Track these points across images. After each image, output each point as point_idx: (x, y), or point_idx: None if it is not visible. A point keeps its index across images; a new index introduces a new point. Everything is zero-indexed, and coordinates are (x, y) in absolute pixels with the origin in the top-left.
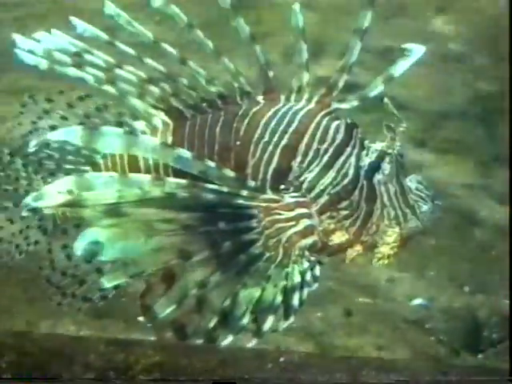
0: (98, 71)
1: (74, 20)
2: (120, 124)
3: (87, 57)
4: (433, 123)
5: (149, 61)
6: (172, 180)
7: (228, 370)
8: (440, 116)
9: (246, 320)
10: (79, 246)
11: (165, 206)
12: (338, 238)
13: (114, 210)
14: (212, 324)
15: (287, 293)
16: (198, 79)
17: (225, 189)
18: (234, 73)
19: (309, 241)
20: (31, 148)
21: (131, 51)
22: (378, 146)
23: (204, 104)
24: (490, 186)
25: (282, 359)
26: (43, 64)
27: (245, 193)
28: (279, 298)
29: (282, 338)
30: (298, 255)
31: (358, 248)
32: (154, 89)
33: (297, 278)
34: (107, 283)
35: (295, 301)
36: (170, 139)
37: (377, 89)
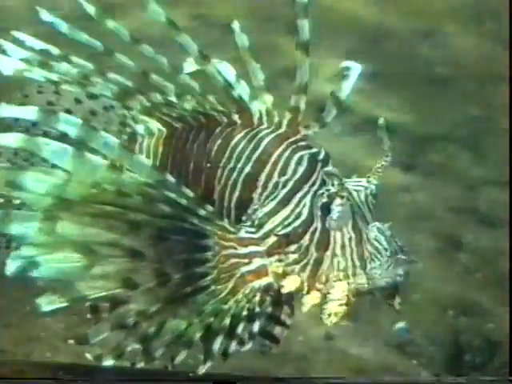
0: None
1: (18, 35)
2: (124, 124)
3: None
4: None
5: (112, 75)
6: (130, 174)
7: None
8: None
9: (159, 352)
10: (12, 263)
11: (112, 211)
12: (290, 283)
13: (58, 206)
14: (130, 349)
15: (209, 332)
16: (167, 94)
17: (183, 201)
18: (200, 92)
19: (262, 282)
20: None
21: (89, 65)
22: (333, 186)
23: (188, 118)
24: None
25: None
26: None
27: (202, 212)
28: (198, 335)
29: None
30: (246, 296)
31: (316, 296)
32: (133, 102)
33: (226, 321)
34: (45, 306)
35: (216, 345)
36: (160, 148)
37: (332, 113)
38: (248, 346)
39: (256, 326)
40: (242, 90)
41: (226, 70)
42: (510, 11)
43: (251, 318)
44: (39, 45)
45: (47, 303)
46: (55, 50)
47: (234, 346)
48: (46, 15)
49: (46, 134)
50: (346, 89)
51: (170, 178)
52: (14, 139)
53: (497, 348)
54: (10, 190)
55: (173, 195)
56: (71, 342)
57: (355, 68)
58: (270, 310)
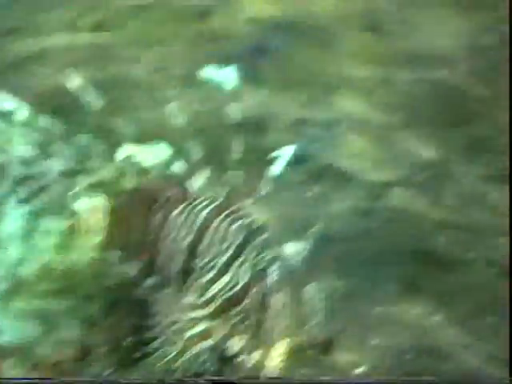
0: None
1: None
2: (67, 202)
3: None
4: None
5: (53, 160)
6: (76, 253)
7: None
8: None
9: None
10: None
11: (63, 287)
12: (235, 344)
13: (12, 288)
14: None
15: None
16: (107, 175)
17: (128, 274)
18: (137, 173)
19: (207, 344)
20: None
21: (30, 151)
22: (272, 251)
23: (130, 193)
24: None
25: None
26: None
27: (147, 283)
28: None
29: None
30: (194, 355)
31: (259, 353)
32: (77, 179)
33: (176, 376)
34: (8, 372)
35: None
36: (106, 222)
37: (266, 188)
38: None
39: (202, 381)
40: (178, 167)
41: (162, 149)
42: (510, 13)
43: (199, 374)
44: None
45: (10, 368)
46: None
47: None
48: None
49: None
50: (278, 167)
51: (114, 254)
52: None
53: None
54: None
55: (118, 269)
56: None
57: (287, 150)
58: (216, 366)
